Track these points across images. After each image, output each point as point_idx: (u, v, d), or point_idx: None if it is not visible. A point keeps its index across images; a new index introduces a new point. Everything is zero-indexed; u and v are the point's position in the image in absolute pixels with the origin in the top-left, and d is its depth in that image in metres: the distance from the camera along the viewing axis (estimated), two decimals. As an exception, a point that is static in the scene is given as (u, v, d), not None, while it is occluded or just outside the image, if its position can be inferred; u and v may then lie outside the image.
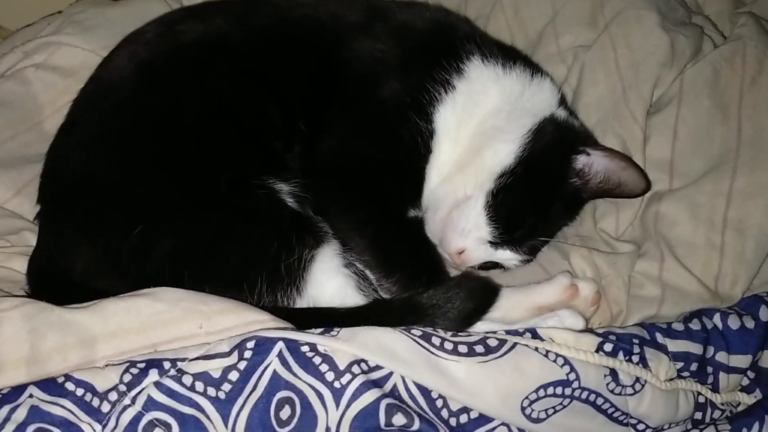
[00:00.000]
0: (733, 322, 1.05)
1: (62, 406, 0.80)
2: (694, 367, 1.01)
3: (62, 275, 0.99)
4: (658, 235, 1.16)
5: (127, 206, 1.00)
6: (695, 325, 1.04)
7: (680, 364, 1.00)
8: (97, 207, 1.01)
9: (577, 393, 0.92)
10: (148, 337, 0.87)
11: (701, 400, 1.00)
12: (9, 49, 1.31)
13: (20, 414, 0.79)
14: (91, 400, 0.81)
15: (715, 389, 1.02)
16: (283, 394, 0.84)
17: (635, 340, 0.97)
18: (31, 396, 0.81)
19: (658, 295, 1.11)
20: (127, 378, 0.82)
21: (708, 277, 1.12)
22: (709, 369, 1.03)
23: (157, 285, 0.91)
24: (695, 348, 1.02)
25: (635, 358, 0.96)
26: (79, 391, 0.82)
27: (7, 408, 0.80)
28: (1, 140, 1.21)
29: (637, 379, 0.94)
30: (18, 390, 0.81)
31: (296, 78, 1.12)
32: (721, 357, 1.03)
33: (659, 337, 1.00)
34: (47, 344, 0.85)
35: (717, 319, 1.06)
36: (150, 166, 1.02)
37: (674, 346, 1.00)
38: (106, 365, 0.84)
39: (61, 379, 0.82)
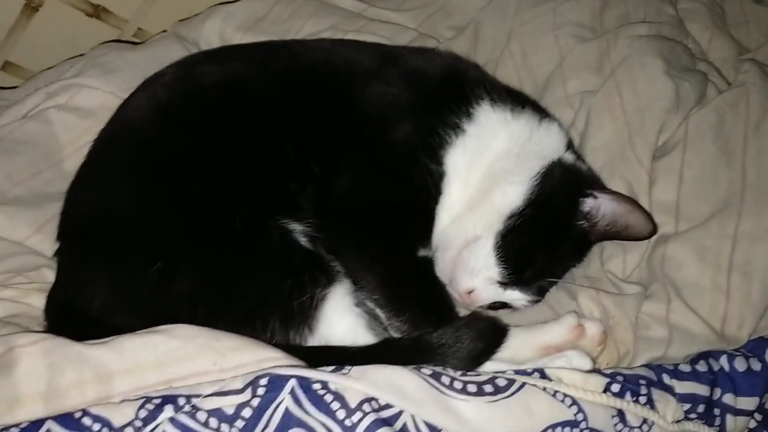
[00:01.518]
0: (740, 365, 1.06)
1: (79, 441, 0.82)
2: (701, 408, 1.02)
3: (80, 311, 1.01)
4: (664, 277, 1.17)
5: (145, 244, 1.02)
6: (702, 367, 1.05)
7: (687, 406, 1.01)
8: (115, 245, 1.03)
9: (585, 433, 0.93)
10: (164, 373, 0.88)
11: (709, 441, 1.01)
12: (32, 90, 1.36)
13: (38, 448, 0.81)
14: (107, 435, 0.83)
15: (722, 431, 1.03)
16: (295, 431, 0.85)
17: (642, 381, 0.98)
18: (48, 431, 0.82)
19: (665, 336, 1.12)
20: (143, 413, 0.84)
21: (714, 319, 1.13)
22: (716, 411, 1.03)
23: (172, 322, 0.93)
24: (702, 390, 1.02)
25: (642, 399, 0.96)
26: (96, 426, 0.83)
27: (25, 442, 0.81)
28: (23, 178, 1.24)
29: (645, 421, 0.95)
30: (36, 424, 0.83)
31: (311, 120, 1.15)
32: (728, 399, 1.04)
33: (666, 379, 1.01)
34: (65, 379, 0.87)
35: (724, 361, 1.07)
36: (167, 205, 1.04)
37: (681, 387, 1.01)
38: (123, 401, 0.86)
39: (78, 414, 0.83)
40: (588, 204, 1.15)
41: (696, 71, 1.37)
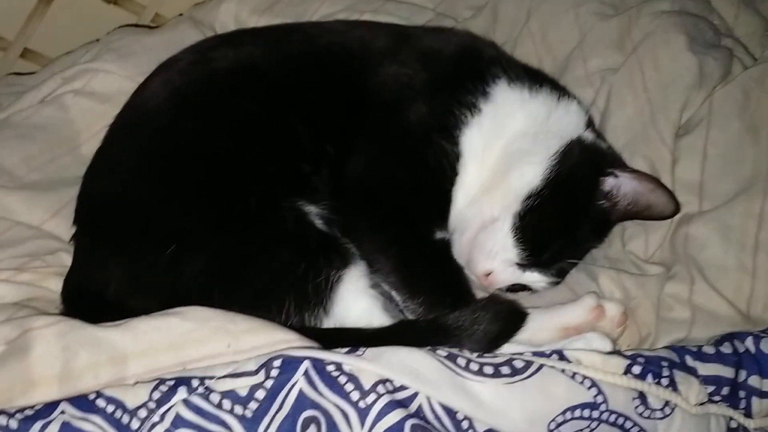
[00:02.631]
0: (766, 346, 1.02)
1: (93, 423, 0.82)
2: (725, 391, 0.99)
3: (96, 295, 1.01)
4: (687, 258, 1.14)
5: (160, 227, 1.02)
6: (726, 349, 1.02)
7: (711, 388, 0.98)
8: (130, 228, 1.03)
9: (605, 416, 0.91)
10: (178, 355, 0.88)
11: (733, 425, 0.98)
12: (49, 76, 1.36)
13: (52, 430, 0.81)
14: (121, 416, 0.83)
15: (747, 414, 1.00)
16: (309, 413, 0.84)
17: (664, 363, 0.95)
18: (63, 412, 0.82)
19: (688, 317, 1.10)
20: (157, 395, 0.84)
21: (739, 300, 1.10)
22: (742, 393, 1.00)
23: (187, 304, 0.93)
24: (727, 372, 1.00)
25: (664, 381, 0.94)
26: (110, 408, 0.83)
27: (39, 424, 0.81)
28: (40, 163, 1.24)
29: (667, 403, 0.93)
30: (50, 406, 0.83)
31: (325, 102, 1.14)
32: (754, 381, 1.01)
33: (689, 360, 0.98)
34: (80, 362, 0.87)
35: (749, 342, 1.03)
36: (182, 188, 1.04)
37: (705, 369, 0.99)
38: (136, 383, 0.86)
39: (92, 396, 0.84)
40: (608, 183, 1.12)
41: (721, 47, 1.33)
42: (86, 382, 0.86)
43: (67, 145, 1.27)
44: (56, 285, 1.08)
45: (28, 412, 0.82)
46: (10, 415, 0.81)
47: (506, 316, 1.00)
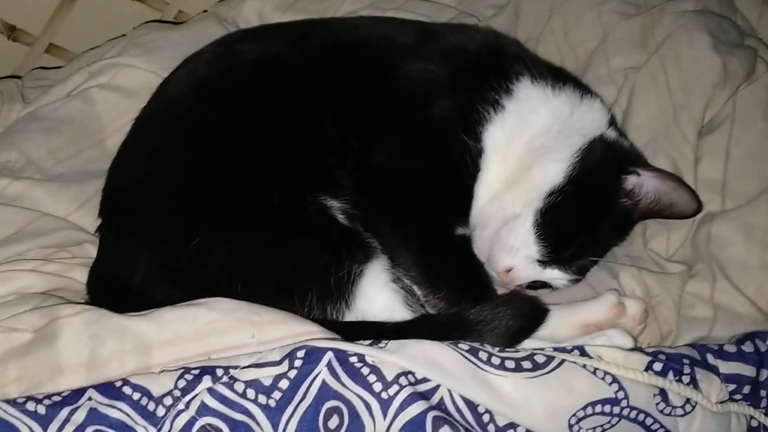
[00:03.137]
0: (788, 346, 1.03)
1: (119, 409, 0.83)
2: (746, 389, 0.98)
3: (121, 285, 1.02)
4: (709, 256, 1.14)
5: (184, 219, 1.03)
6: (748, 348, 1.01)
7: (732, 387, 0.98)
8: (155, 219, 1.04)
9: (625, 412, 0.90)
10: (203, 345, 0.89)
11: (754, 423, 0.97)
12: (75, 70, 1.38)
13: (79, 416, 0.82)
14: (147, 404, 0.84)
15: (768, 413, 1.00)
16: (332, 403, 0.85)
17: (685, 361, 0.95)
18: (90, 399, 0.83)
19: (710, 316, 1.09)
20: (182, 384, 0.84)
21: (762, 299, 1.09)
22: (763, 392, 1.00)
23: (211, 295, 0.94)
24: (748, 370, 0.99)
25: (685, 379, 0.94)
26: (136, 395, 0.84)
27: (67, 410, 0.82)
28: (66, 156, 1.26)
29: (688, 400, 0.93)
30: (78, 393, 0.84)
31: (349, 97, 1.15)
32: (776, 380, 1.01)
33: (710, 359, 0.98)
34: (106, 350, 0.88)
35: (771, 341, 1.04)
36: (207, 180, 1.05)
37: (726, 368, 0.98)
38: (162, 371, 0.86)
39: (118, 383, 0.85)
40: (631, 181, 1.12)
41: (745, 47, 1.33)
42: (113, 370, 0.87)
43: (92, 139, 1.29)
44: (82, 276, 1.09)
45: (56, 398, 0.84)
46: (38, 401, 0.83)
47: (528, 311, 1.00)
